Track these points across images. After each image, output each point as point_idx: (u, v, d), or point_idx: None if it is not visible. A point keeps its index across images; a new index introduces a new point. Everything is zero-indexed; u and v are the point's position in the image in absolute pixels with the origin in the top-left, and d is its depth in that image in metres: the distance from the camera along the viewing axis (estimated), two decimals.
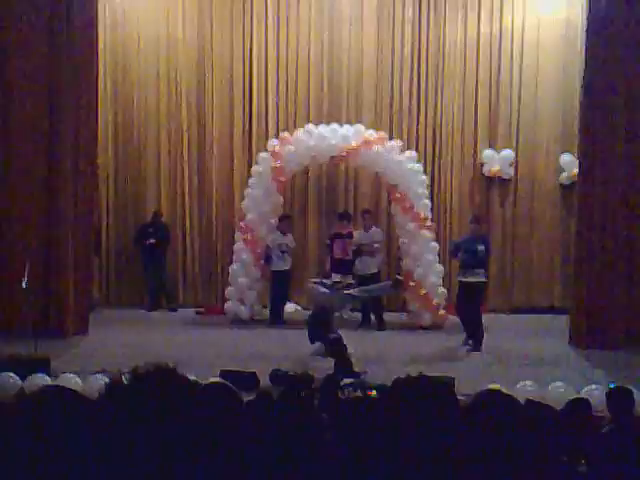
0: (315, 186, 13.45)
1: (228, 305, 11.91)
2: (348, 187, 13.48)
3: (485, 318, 10.54)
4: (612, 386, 5.92)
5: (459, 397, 2.59)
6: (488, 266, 11.03)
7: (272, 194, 11.95)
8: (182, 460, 2.22)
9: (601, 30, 10.19)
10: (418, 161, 12.20)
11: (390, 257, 12.99)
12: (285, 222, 12.16)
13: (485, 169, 13.18)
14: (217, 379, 4.26)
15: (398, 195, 11.83)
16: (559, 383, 7.67)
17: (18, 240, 10.36)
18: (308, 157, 11.97)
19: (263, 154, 12.13)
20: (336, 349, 8.48)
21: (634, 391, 5.66)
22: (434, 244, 11.83)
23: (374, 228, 12.05)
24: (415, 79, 13.26)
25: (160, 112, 13.39)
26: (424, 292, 11.55)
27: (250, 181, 12.13)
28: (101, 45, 11.93)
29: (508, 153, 13.11)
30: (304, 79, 13.37)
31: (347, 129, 11.96)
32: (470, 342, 10.15)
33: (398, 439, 2.42)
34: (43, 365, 8.13)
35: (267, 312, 12.01)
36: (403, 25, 13.18)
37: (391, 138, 12.32)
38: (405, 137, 13.00)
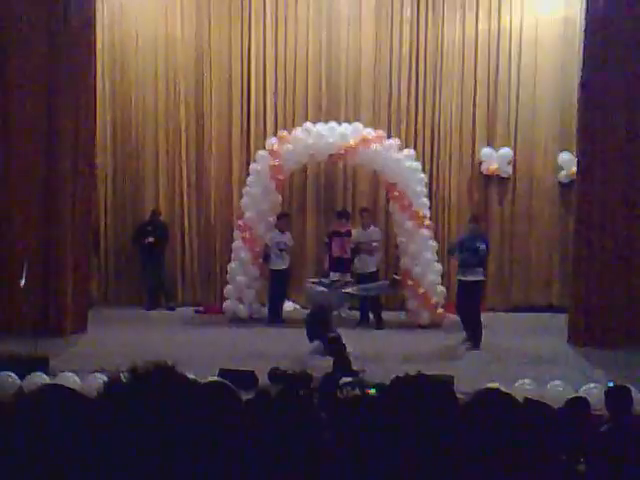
0: (313, 184, 13.45)
1: (227, 304, 11.92)
2: (346, 185, 13.48)
3: (484, 316, 10.56)
4: (610, 385, 5.94)
5: (458, 395, 2.59)
6: (487, 265, 11.04)
7: (270, 192, 11.96)
8: (180, 459, 2.22)
9: (599, 29, 10.20)
10: (416, 159, 12.20)
11: (388, 256, 12.99)
12: (283, 220, 12.16)
13: (483, 167, 13.18)
14: (216, 378, 4.26)
15: (396, 193, 11.83)
16: (558, 382, 7.68)
17: (17, 240, 10.36)
18: (306, 156, 11.97)
19: (261, 152, 12.13)
20: (335, 348, 8.49)
21: (632, 390, 5.67)
22: (432, 242, 11.84)
23: (372, 226, 12.05)
24: (413, 78, 13.25)
25: (158, 111, 13.38)
26: (422, 291, 11.55)
27: (248, 179, 12.13)
28: (99, 44, 11.92)
29: (506, 151, 13.11)
30: (302, 78, 13.36)
31: (345, 127, 11.96)
32: (469, 340, 10.16)
33: (397, 438, 2.43)
34: (42, 364, 8.15)
35: (266, 311, 12.01)
36: (401, 24, 13.16)
37: (389, 136, 12.32)
38: (403, 136, 12.99)
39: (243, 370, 7.83)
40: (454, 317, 10.96)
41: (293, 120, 13.12)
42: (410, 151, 12.20)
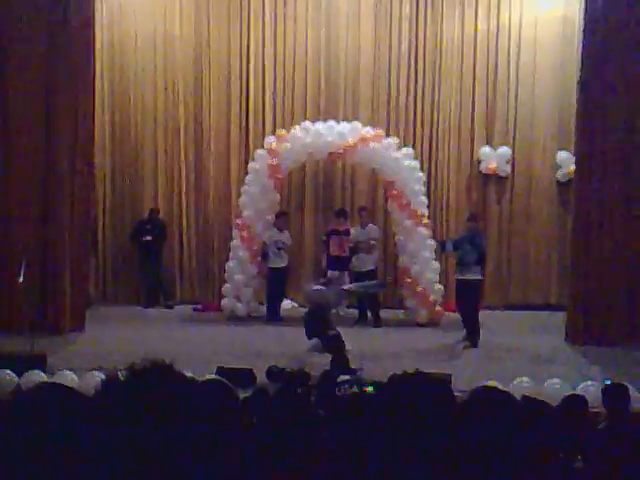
0: (312, 183, 13.45)
1: (225, 302, 11.92)
2: (345, 184, 13.48)
3: (481, 315, 10.56)
4: (608, 382, 5.95)
5: (455, 394, 2.59)
6: (485, 263, 11.05)
7: (269, 191, 11.96)
8: (178, 457, 2.22)
9: (598, 28, 10.20)
10: (415, 158, 12.20)
11: (387, 254, 13.00)
12: (282, 219, 12.17)
13: (482, 166, 13.19)
14: (214, 376, 4.27)
15: (395, 192, 11.83)
16: (555, 379, 7.70)
17: (16, 239, 10.36)
18: (305, 154, 11.97)
19: (260, 151, 12.13)
20: (335, 345, 8.50)
21: (629, 387, 5.68)
22: (431, 241, 11.85)
23: (371, 225, 12.06)
24: (412, 76, 13.26)
25: (157, 110, 13.38)
26: (420, 289, 11.56)
27: (247, 178, 12.13)
28: (98, 43, 11.91)
29: (505, 150, 13.12)
30: (301, 76, 13.36)
31: (344, 126, 11.95)
32: (468, 339, 10.17)
33: (394, 435, 2.43)
34: (39, 362, 8.15)
35: (264, 309, 12.02)
36: (400, 22, 13.17)
37: (388, 135, 12.33)
38: (402, 134, 13.00)
39: (241, 368, 7.83)
40: (452, 315, 10.97)
41: (292, 119, 13.12)
42: (409, 150, 12.20)
